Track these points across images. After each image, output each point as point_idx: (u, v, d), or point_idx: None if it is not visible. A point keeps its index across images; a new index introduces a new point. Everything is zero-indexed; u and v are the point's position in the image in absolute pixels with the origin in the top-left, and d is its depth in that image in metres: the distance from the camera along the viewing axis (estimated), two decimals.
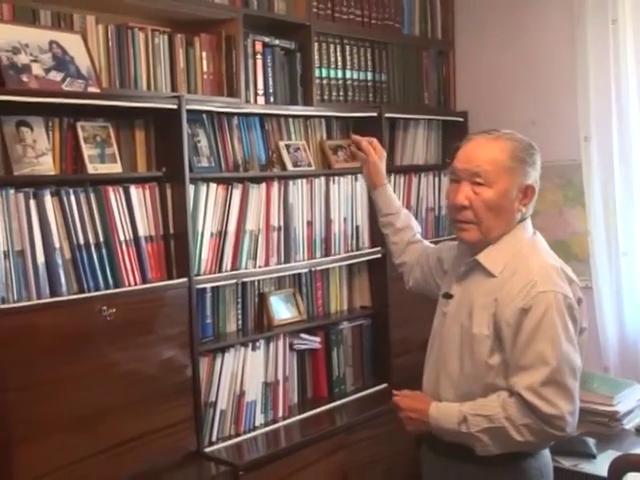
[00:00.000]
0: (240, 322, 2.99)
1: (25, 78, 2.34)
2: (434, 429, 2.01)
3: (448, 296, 2.10)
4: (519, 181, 1.97)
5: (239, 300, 2.98)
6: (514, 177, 1.96)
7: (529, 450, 1.96)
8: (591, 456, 2.73)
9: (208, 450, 2.72)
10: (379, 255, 3.39)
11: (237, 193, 2.86)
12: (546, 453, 2.05)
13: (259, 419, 2.95)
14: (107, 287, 2.47)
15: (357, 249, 3.37)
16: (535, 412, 1.85)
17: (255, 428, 2.92)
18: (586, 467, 2.66)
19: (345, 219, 3.32)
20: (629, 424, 2.94)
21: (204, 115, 2.83)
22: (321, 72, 3.29)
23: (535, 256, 1.98)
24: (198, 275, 2.72)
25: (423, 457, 2.22)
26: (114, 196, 2.52)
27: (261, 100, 3.05)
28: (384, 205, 2.47)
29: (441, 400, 2.04)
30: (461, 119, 3.86)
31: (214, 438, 2.78)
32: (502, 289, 1.93)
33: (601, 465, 2.54)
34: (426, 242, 2.47)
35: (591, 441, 2.79)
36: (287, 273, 3.12)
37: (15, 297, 2.26)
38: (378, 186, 2.47)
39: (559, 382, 1.85)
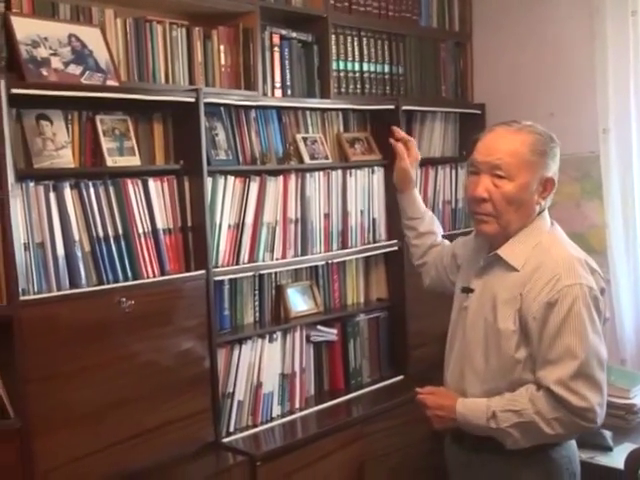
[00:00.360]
0: (257, 314, 2.99)
1: (44, 72, 2.34)
2: (462, 425, 2.00)
3: (468, 290, 2.08)
4: (540, 174, 1.96)
5: (256, 292, 2.98)
6: (535, 170, 1.94)
7: (558, 441, 1.96)
8: (608, 449, 2.71)
9: (226, 440, 2.72)
10: (396, 248, 3.38)
11: (254, 186, 2.86)
12: (573, 441, 2.05)
13: (276, 410, 2.95)
14: (126, 279, 2.48)
15: (374, 241, 3.36)
16: (565, 405, 1.84)
17: (272, 419, 2.92)
18: (602, 460, 2.64)
19: (362, 212, 3.31)
20: None
21: (222, 108, 2.83)
22: (338, 65, 3.27)
23: (557, 248, 1.96)
24: (216, 267, 2.72)
25: (447, 449, 2.21)
26: (133, 189, 2.52)
27: (278, 93, 3.04)
28: (409, 209, 2.45)
29: (467, 395, 2.02)
30: (478, 112, 3.83)
31: (231, 429, 2.78)
32: (526, 284, 1.91)
33: (617, 458, 2.52)
34: (446, 242, 2.45)
35: (608, 434, 2.77)
36: (304, 265, 3.12)
37: (35, 289, 2.27)
38: (405, 190, 2.45)
39: (588, 375, 1.85)
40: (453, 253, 2.31)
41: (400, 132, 2.51)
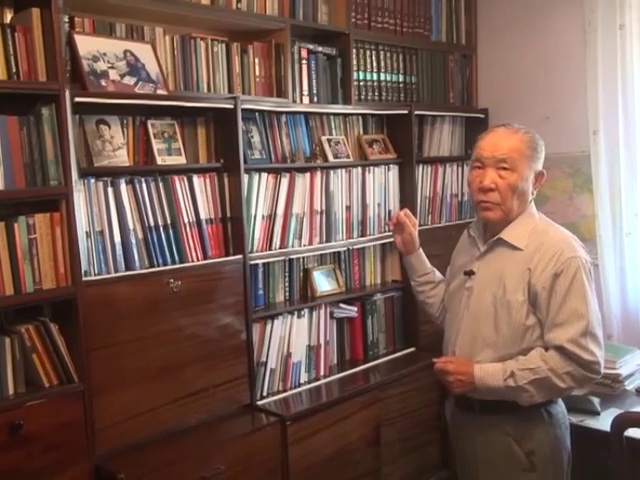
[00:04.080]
0: (287, 293, 2.99)
1: (103, 82, 2.36)
2: (479, 388, 2.00)
3: (470, 273, 2.09)
4: (535, 167, 2.03)
5: (286, 274, 2.98)
6: (532, 164, 2.01)
7: (566, 394, 2.02)
8: (596, 413, 2.69)
9: (260, 403, 2.73)
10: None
11: (285, 182, 2.86)
12: (561, 399, 2.10)
13: (303, 377, 2.96)
14: (174, 263, 2.50)
15: (389, 230, 3.34)
16: (576, 360, 1.88)
17: (300, 385, 2.93)
18: (591, 423, 2.63)
19: (379, 204, 3.30)
20: (630, 385, 2.89)
21: (256, 114, 2.83)
22: (359, 75, 3.25)
23: (552, 230, 2.03)
24: (251, 252, 2.73)
25: (450, 413, 2.22)
26: (179, 184, 2.53)
27: (306, 100, 3.03)
28: (420, 267, 2.41)
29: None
30: (482, 115, 3.79)
31: (265, 393, 2.80)
32: (532, 260, 1.96)
33: (604, 421, 2.50)
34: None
35: (596, 400, 2.75)
36: (328, 251, 3.11)
37: (96, 271, 2.30)
38: (413, 252, 2.41)
39: (592, 333, 1.90)
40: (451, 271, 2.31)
41: (396, 216, 2.42)
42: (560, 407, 2.07)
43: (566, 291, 1.90)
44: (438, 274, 2.42)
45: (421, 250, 2.43)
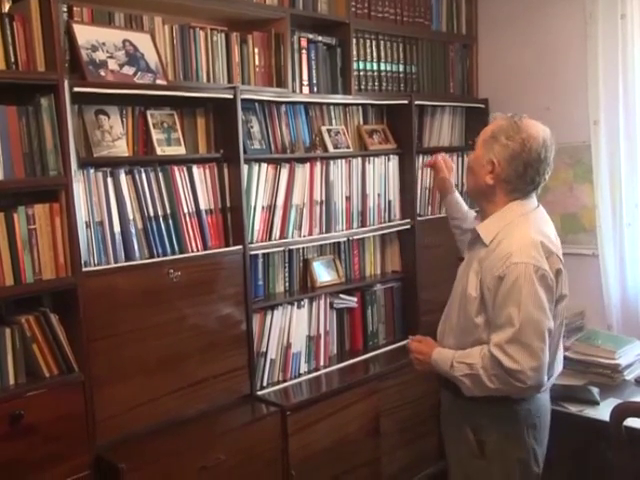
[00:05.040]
0: (287, 284, 3.00)
1: (102, 72, 2.35)
2: (435, 370, 2.07)
3: (461, 259, 2.18)
4: (490, 155, 1.98)
5: (286, 265, 2.98)
6: (486, 148, 2.00)
7: (508, 395, 1.95)
8: (595, 403, 2.70)
9: (260, 393, 2.74)
10: (408, 226, 3.37)
11: (285, 172, 2.85)
12: (541, 397, 2.05)
13: (303, 367, 2.97)
14: (173, 253, 2.50)
15: (389, 220, 3.35)
16: (500, 365, 1.87)
17: (300, 375, 2.94)
18: (590, 412, 2.63)
19: (379, 194, 3.29)
20: (629, 375, 2.90)
21: (256, 104, 2.82)
22: (359, 65, 3.24)
23: (520, 230, 1.95)
24: (251, 243, 2.73)
25: (441, 393, 2.24)
26: (179, 174, 2.53)
27: (306, 90, 3.02)
28: (453, 210, 2.46)
29: (444, 347, 2.09)
30: (482, 106, 3.77)
31: (265, 383, 2.81)
32: (487, 258, 1.95)
33: (604, 411, 2.51)
34: None
35: (595, 390, 2.76)
36: (328, 241, 3.11)
37: (96, 261, 2.30)
38: (448, 194, 2.46)
39: (522, 342, 1.85)
40: None
41: (434, 158, 2.51)
42: (529, 404, 2.00)
43: (505, 295, 1.87)
44: (470, 220, 2.36)
45: (457, 194, 2.47)
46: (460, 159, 3.68)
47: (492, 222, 2.01)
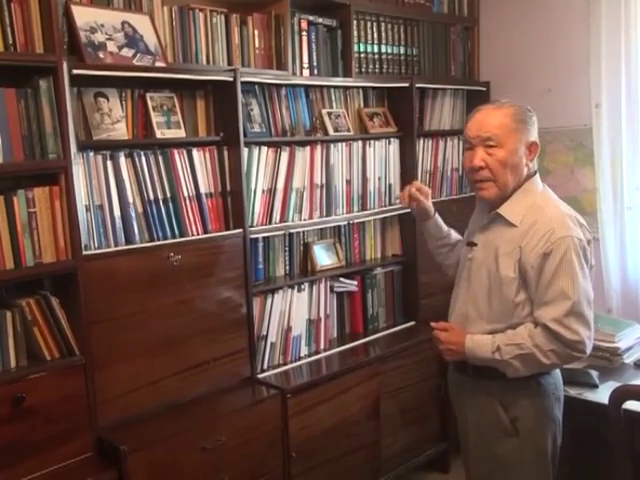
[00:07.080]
0: (287, 267, 3.00)
1: (101, 54, 2.33)
2: (469, 358, 2.04)
3: (472, 244, 2.13)
4: (525, 139, 2.01)
5: (287, 248, 2.98)
6: (520, 136, 2.00)
7: (552, 370, 2.03)
8: (594, 386, 2.70)
9: (260, 376, 2.76)
10: (409, 210, 3.33)
11: (285, 155, 2.84)
12: (558, 371, 2.11)
13: (304, 350, 2.98)
14: (174, 236, 2.50)
15: (390, 204, 3.34)
16: (560, 339, 1.90)
17: (300, 358, 2.95)
18: (590, 395, 2.64)
19: (379, 178, 3.29)
20: (629, 359, 2.90)
21: (256, 86, 2.80)
22: (359, 47, 3.22)
23: (549, 207, 2.00)
24: (251, 227, 2.73)
25: (450, 376, 2.24)
26: (179, 158, 2.52)
27: (306, 72, 3.01)
28: (437, 231, 2.39)
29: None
30: (484, 88, 3.76)
31: (265, 366, 2.82)
32: (524, 238, 1.96)
33: (603, 394, 2.51)
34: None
35: (594, 373, 2.76)
36: (328, 225, 3.11)
37: (96, 245, 2.30)
38: (429, 219, 2.39)
39: (579, 313, 1.90)
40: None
41: (405, 191, 2.38)
42: (553, 378, 2.07)
43: (554, 271, 1.90)
44: (454, 236, 2.40)
45: (437, 215, 2.41)
46: (461, 143, 3.65)
47: (514, 203, 2.02)
